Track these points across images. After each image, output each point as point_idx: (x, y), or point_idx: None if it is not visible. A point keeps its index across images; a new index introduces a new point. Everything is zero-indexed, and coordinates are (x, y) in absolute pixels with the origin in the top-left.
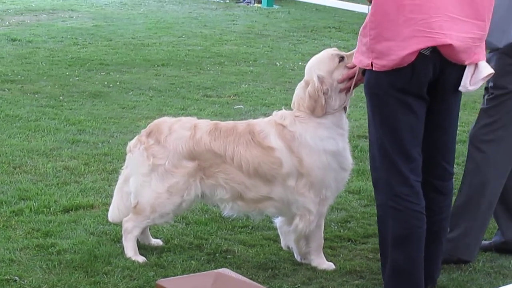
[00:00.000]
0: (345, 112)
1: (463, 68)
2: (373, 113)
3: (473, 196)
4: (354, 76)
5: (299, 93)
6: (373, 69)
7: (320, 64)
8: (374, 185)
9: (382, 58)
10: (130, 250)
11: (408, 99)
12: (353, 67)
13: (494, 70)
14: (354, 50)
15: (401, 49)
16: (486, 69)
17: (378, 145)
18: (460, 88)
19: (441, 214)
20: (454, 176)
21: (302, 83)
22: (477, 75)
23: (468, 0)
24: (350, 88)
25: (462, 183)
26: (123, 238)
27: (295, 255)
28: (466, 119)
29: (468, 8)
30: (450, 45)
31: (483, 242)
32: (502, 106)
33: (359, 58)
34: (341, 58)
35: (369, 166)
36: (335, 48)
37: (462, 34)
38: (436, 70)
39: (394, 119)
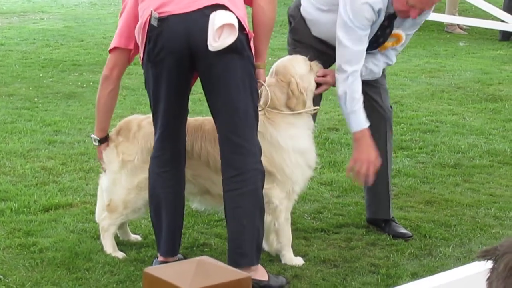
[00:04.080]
0: (314, 118)
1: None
2: None
3: None
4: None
5: (277, 93)
6: None
7: (298, 65)
8: None
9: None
10: (109, 247)
11: (153, 68)
12: (323, 75)
13: None
14: (316, 62)
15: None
16: (219, 20)
17: None
18: (209, 48)
19: (226, 186)
20: (250, 152)
21: (273, 80)
22: (211, 29)
23: None
24: (321, 91)
25: None
26: (101, 237)
27: (268, 249)
28: (435, 109)
29: None
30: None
31: None
32: None
33: None
34: (310, 65)
35: (339, 158)
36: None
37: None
38: (178, 39)
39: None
